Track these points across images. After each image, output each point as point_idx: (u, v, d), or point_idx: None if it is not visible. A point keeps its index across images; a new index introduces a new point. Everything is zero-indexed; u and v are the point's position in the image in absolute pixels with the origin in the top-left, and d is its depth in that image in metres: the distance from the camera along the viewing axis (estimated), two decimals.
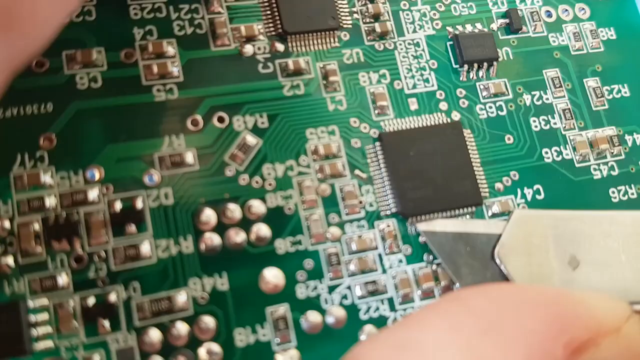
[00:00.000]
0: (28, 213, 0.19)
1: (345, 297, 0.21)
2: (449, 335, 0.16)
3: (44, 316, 0.19)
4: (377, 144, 0.22)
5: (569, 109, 0.25)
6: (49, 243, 0.19)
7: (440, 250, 0.22)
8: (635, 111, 0.25)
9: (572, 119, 0.25)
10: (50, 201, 0.19)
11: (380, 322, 0.21)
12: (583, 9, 0.26)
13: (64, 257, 0.19)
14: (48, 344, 0.18)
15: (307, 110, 0.22)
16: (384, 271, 0.21)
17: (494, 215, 0.23)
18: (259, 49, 0.22)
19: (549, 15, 0.26)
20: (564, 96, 0.25)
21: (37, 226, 0.19)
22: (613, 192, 0.24)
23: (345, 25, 0.23)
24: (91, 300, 0.19)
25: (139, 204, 0.20)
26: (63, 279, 0.19)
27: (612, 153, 0.25)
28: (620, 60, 0.26)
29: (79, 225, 0.19)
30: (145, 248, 0.20)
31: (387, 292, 0.21)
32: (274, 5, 0.23)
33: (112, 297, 0.19)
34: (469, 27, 0.25)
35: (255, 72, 0.22)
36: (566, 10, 0.26)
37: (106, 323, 0.19)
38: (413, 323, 0.18)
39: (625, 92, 0.26)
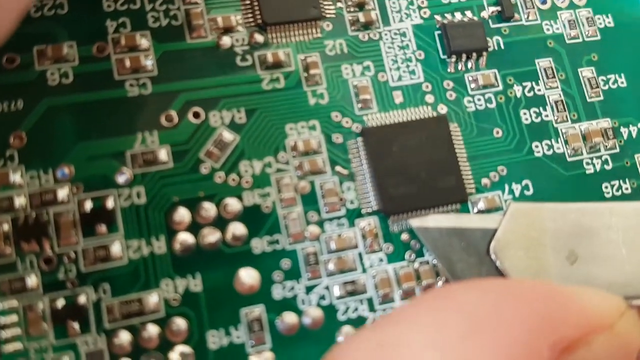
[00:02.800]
0: None
1: (323, 297, 0.20)
2: (433, 335, 0.16)
3: (13, 318, 0.18)
4: (360, 139, 0.22)
5: (562, 100, 0.24)
6: (19, 244, 0.19)
7: (433, 247, 0.21)
8: (632, 102, 0.24)
9: (565, 111, 0.24)
10: (20, 201, 0.19)
11: (359, 322, 0.20)
12: None
13: (33, 258, 0.19)
14: (17, 346, 0.18)
15: (287, 105, 0.22)
16: (364, 270, 0.21)
17: (479, 212, 0.22)
18: (237, 40, 0.22)
19: (544, 2, 0.25)
20: (557, 87, 0.24)
21: (6, 227, 0.19)
22: (606, 187, 0.23)
23: (328, 15, 0.23)
24: (61, 302, 0.19)
25: (110, 204, 0.20)
26: (32, 281, 0.19)
27: (606, 146, 0.24)
28: (617, 49, 0.25)
29: (48, 225, 0.19)
30: (116, 249, 0.19)
31: (366, 292, 0.21)
32: None
33: (82, 299, 0.19)
34: (458, 16, 0.24)
35: (232, 65, 0.22)
36: None
37: (76, 325, 0.19)
38: (396, 320, 0.17)
39: (622, 83, 0.25)
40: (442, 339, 0.16)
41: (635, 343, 0.19)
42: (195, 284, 0.20)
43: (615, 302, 0.19)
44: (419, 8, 0.23)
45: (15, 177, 0.19)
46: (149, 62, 0.21)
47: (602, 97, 0.24)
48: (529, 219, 0.21)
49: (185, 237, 0.20)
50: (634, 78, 0.25)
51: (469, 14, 0.24)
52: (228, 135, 0.21)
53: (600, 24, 0.25)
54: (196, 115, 0.21)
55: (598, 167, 0.23)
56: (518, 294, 0.18)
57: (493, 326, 0.17)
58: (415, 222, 0.21)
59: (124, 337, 0.19)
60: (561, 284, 0.20)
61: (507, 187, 0.23)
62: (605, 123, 0.24)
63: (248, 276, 0.20)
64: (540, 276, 0.21)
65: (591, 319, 0.18)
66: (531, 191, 0.23)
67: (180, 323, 0.19)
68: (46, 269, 0.19)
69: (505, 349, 0.16)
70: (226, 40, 0.22)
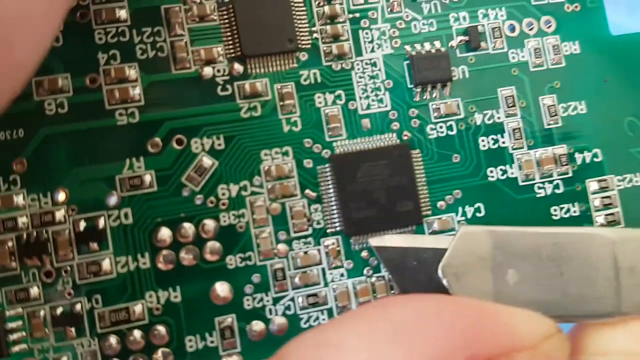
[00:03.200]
0: (3, 232, 0.22)
1: (288, 307, 0.23)
2: (364, 339, 0.18)
3: (19, 323, 0.21)
4: (328, 164, 0.24)
5: (520, 128, 0.25)
6: (22, 259, 0.22)
7: (388, 265, 0.23)
8: (590, 129, 0.26)
9: (522, 138, 0.25)
10: (23, 221, 0.22)
11: None
12: (549, 21, 0.26)
13: (35, 271, 0.22)
14: (23, 347, 0.21)
15: (263, 132, 0.24)
16: (326, 284, 0.24)
17: (433, 233, 0.24)
18: (218, 71, 0.24)
19: (512, 29, 0.26)
20: (516, 114, 0.26)
21: (10, 244, 0.22)
22: (555, 210, 0.25)
23: (303, 46, 0.24)
24: (59, 310, 0.22)
25: (101, 224, 0.22)
26: (35, 291, 0.22)
27: (559, 172, 0.26)
28: (581, 76, 0.26)
29: (48, 243, 0.22)
30: (106, 264, 0.22)
31: (327, 303, 0.24)
32: (234, 27, 0.24)
33: (78, 308, 0.22)
34: (427, 46, 0.25)
35: (214, 95, 0.24)
36: (531, 23, 0.26)
37: (72, 330, 0.22)
38: (337, 324, 0.20)
39: (582, 109, 0.26)
40: (371, 342, 0.18)
41: None
42: (175, 295, 0.23)
43: (544, 324, 0.22)
44: (391, 38, 0.25)
45: (18, 200, 0.22)
46: (136, 92, 0.23)
47: (560, 124, 0.26)
48: (476, 241, 0.23)
49: (167, 254, 0.22)
50: (595, 104, 0.26)
51: (437, 43, 0.25)
52: (207, 161, 0.23)
53: (567, 51, 0.26)
54: (179, 142, 0.23)
55: (549, 191, 0.26)
56: (446, 308, 0.20)
57: (416, 335, 0.19)
58: (374, 241, 0.24)
59: (113, 341, 0.22)
60: (503, 303, 0.23)
61: (460, 209, 0.25)
62: (560, 149, 0.26)
63: (222, 289, 0.23)
64: (484, 295, 0.23)
65: (515, 338, 0.20)
66: (483, 213, 0.25)
67: (161, 329, 0.22)
68: (47, 281, 0.22)
69: (423, 357, 0.18)
70: (208, 71, 0.24)
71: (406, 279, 0.23)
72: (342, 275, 0.24)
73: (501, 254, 0.23)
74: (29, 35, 0.17)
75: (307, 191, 0.24)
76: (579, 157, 0.26)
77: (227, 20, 0.24)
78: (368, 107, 0.25)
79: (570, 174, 0.26)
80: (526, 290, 0.23)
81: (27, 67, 0.18)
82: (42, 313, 0.22)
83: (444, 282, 0.23)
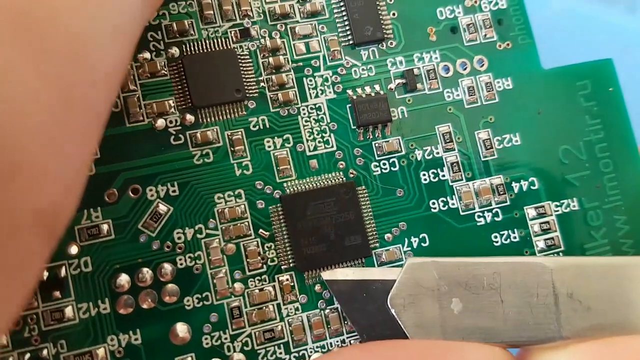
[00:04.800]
0: None
1: (246, 344, 0.24)
2: None
3: None
4: (279, 204, 0.25)
5: (458, 162, 0.27)
6: None
7: (339, 297, 0.25)
8: (524, 159, 0.28)
9: (460, 171, 0.27)
10: None
11: None
12: (482, 60, 0.28)
13: None
14: None
15: (216, 177, 0.25)
16: (282, 319, 0.25)
17: (382, 264, 0.26)
18: (170, 122, 0.25)
19: (447, 70, 0.28)
20: (453, 149, 0.27)
21: None
22: (495, 237, 0.27)
23: (251, 95, 0.26)
24: (27, 356, 0.23)
25: (62, 273, 0.23)
26: (3, 339, 0.23)
27: (497, 201, 0.27)
28: (514, 109, 0.28)
29: None
30: (69, 311, 0.23)
31: (283, 337, 0.25)
32: (184, 80, 0.25)
33: (44, 353, 0.23)
34: (367, 89, 0.27)
35: (167, 144, 0.25)
36: (464, 63, 0.28)
37: None
38: None
39: (517, 141, 0.28)
40: None
41: None
42: (136, 338, 0.24)
43: (494, 354, 0.23)
44: (333, 84, 0.27)
45: None
46: None
47: (496, 156, 0.28)
48: (422, 272, 0.25)
49: (126, 299, 0.24)
50: (529, 135, 0.28)
51: (377, 87, 0.27)
52: (163, 207, 0.24)
53: (500, 87, 0.28)
54: (135, 191, 0.24)
55: (489, 219, 0.27)
56: (402, 352, 0.22)
57: None
58: (326, 275, 0.25)
59: None
60: (449, 331, 0.24)
61: (406, 240, 0.26)
62: (497, 179, 0.27)
63: (181, 330, 0.24)
64: (431, 324, 0.24)
65: None
66: (427, 243, 0.26)
67: None
68: (14, 329, 0.23)
69: None
70: (161, 123, 0.25)
71: (356, 310, 0.25)
72: (297, 309, 0.25)
73: (445, 284, 0.24)
74: None
75: (261, 231, 0.25)
76: (515, 185, 0.28)
77: (177, 75, 0.25)
78: (315, 148, 0.26)
79: (508, 203, 0.27)
80: (470, 318, 0.24)
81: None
82: None
83: (392, 312, 0.24)
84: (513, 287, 0.25)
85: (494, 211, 0.27)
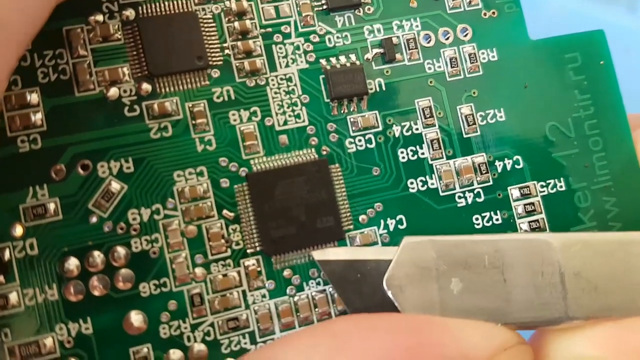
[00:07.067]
0: None
1: (208, 333, 0.23)
2: (306, 353, 0.18)
3: None
4: (245, 183, 0.23)
5: (438, 138, 0.25)
6: None
7: (332, 278, 0.23)
8: (509, 136, 0.26)
9: (440, 148, 0.25)
10: None
11: (241, 354, 0.23)
12: (465, 29, 0.26)
13: None
14: None
15: (175, 152, 0.23)
16: (247, 307, 0.23)
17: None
18: (124, 91, 0.23)
19: (428, 39, 0.26)
20: (434, 125, 0.25)
21: None
22: (477, 219, 0.25)
23: (215, 63, 0.24)
24: None
25: (6, 256, 0.21)
26: None
27: (479, 180, 0.26)
28: (499, 83, 0.26)
29: None
30: (14, 297, 0.21)
31: (249, 326, 0.23)
32: (140, 45, 0.23)
33: None
34: (342, 59, 0.25)
35: (120, 116, 0.23)
36: (447, 32, 0.26)
37: None
38: (283, 340, 0.20)
39: (501, 117, 0.26)
40: (313, 355, 0.18)
41: None
42: (87, 327, 0.22)
43: (499, 336, 0.21)
44: (305, 52, 0.25)
45: None
46: (38, 118, 0.22)
47: (479, 132, 0.26)
48: (419, 252, 0.23)
49: (75, 284, 0.22)
50: (513, 111, 0.26)
51: (352, 57, 0.25)
52: (116, 185, 0.22)
53: (484, 58, 0.26)
54: (84, 167, 0.22)
55: (470, 200, 0.25)
56: (390, 322, 0.20)
57: (359, 348, 0.19)
58: (317, 255, 0.23)
59: None
60: (449, 312, 0.22)
61: (382, 222, 0.24)
62: (480, 158, 0.26)
63: (136, 318, 0.22)
64: (429, 305, 0.22)
65: (464, 350, 0.20)
66: (405, 225, 0.25)
67: None
68: None
69: None
70: (114, 92, 0.23)
71: (350, 292, 0.23)
72: (263, 296, 0.23)
73: (444, 263, 0.23)
74: None
75: (225, 211, 0.23)
76: (499, 164, 0.26)
77: (132, 39, 0.23)
78: (285, 122, 0.24)
79: (490, 182, 0.26)
80: (471, 299, 0.23)
81: None
82: None
83: (389, 294, 0.22)
84: (516, 266, 0.23)
85: (475, 191, 0.25)
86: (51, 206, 0.22)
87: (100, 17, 0.23)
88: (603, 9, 0.40)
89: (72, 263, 0.22)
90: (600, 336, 0.22)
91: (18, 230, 0.21)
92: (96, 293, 0.22)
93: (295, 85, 0.24)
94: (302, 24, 0.25)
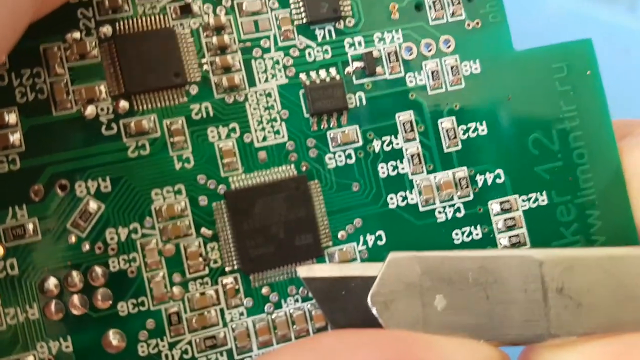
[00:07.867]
0: None
1: (185, 352, 0.23)
2: None
3: None
4: (224, 201, 0.23)
5: (419, 153, 0.25)
6: None
7: (317, 295, 0.23)
8: (490, 150, 0.26)
9: (421, 163, 0.25)
10: None
11: None
12: (448, 40, 0.26)
13: None
14: None
15: (153, 171, 0.23)
16: (225, 325, 0.23)
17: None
18: (102, 109, 0.23)
19: (409, 51, 0.26)
20: (415, 139, 0.25)
21: None
22: (457, 234, 0.25)
23: (193, 79, 0.24)
24: None
25: None
26: None
27: (459, 195, 0.25)
28: (481, 96, 0.26)
29: None
30: None
31: (227, 344, 0.23)
32: (117, 63, 0.23)
33: None
34: (322, 73, 0.25)
35: (98, 135, 0.23)
36: (429, 44, 0.26)
37: None
38: (266, 358, 0.20)
39: (483, 130, 0.26)
40: None
41: None
42: (67, 345, 0.22)
43: (482, 353, 0.22)
44: (285, 67, 0.24)
45: None
46: (16, 138, 0.22)
47: (460, 147, 0.26)
48: (404, 268, 0.23)
49: (55, 304, 0.22)
50: (496, 124, 0.26)
51: (333, 71, 0.25)
52: (93, 205, 0.22)
53: (467, 71, 0.26)
54: (62, 187, 0.22)
55: (450, 216, 0.25)
56: (375, 342, 0.21)
57: None
58: (302, 272, 0.23)
59: None
60: (432, 329, 0.22)
61: (361, 238, 0.25)
62: (461, 172, 0.26)
63: (114, 337, 0.22)
64: (413, 322, 0.22)
65: None
66: (384, 241, 0.25)
67: None
68: None
69: None
70: (91, 110, 0.23)
71: (335, 309, 0.23)
72: (241, 314, 0.23)
73: (429, 280, 0.23)
74: None
75: (203, 230, 0.23)
76: (480, 178, 0.26)
77: (109, 57, 0.23)
78: (264, 139, 0.24)
79: (471, 197, 0.26)
80: (454, 315, 0.23)
81: None
82: None
83: (373, 310, 0.22)
84: (500, 282, 0.23)
85: (455, 206, 0.25)
86: (30, 226, 0.22)
87: (77, 35, 0.23)
88: (603, 9, 0.39)
89: (51, 283, 0.22)
90: (592, 352, 0.22)
91: None
92: (75, 312, 0.22)
93: (275, 100, 0.24)
94: (281, 38, 0.25)
